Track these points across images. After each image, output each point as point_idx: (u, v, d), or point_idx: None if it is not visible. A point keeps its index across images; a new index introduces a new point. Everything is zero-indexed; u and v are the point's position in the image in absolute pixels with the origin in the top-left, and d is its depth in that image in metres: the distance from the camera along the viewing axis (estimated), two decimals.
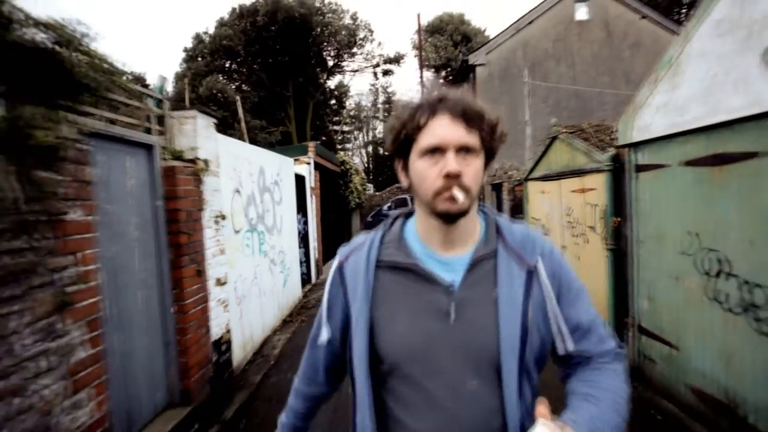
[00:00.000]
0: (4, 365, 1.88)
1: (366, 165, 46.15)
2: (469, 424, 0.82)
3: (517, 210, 7.76)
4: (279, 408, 1.16)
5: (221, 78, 28.81)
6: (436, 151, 0.82)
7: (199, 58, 29.10)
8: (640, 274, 3.67)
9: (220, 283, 4.04)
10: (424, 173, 0.83)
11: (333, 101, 38.74)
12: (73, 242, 2.27)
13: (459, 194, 0.80)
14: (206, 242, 3.81)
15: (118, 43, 56.62)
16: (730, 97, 2.53)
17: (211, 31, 29.71)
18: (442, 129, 0.81)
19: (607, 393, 0.85)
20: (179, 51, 58.55)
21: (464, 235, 0.90)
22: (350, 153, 47.54)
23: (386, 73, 37.61)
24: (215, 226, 4.00)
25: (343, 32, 33.26)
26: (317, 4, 32.00)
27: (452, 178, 0.80)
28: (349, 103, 42.54)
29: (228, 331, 4.16)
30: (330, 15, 32.99)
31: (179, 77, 28.90)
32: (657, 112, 3.25)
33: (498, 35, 10.05)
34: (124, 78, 3.27)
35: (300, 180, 7.75)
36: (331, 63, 35.88)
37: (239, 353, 4.45)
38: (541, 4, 9.96)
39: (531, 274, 0.87)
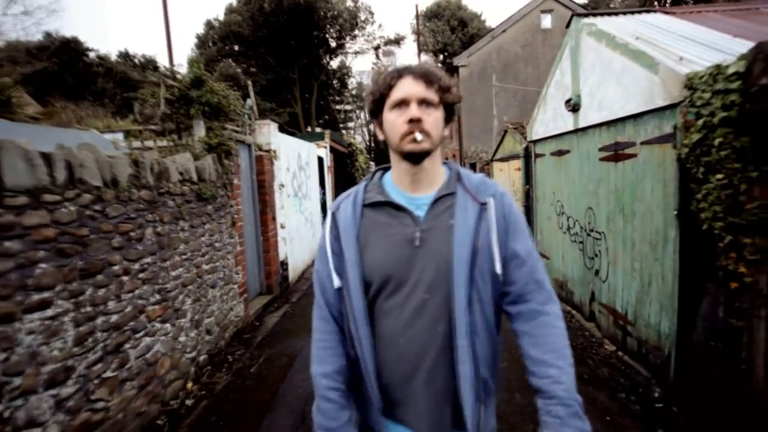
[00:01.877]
0: (218, 247, 4.35)
1: (367, 143, 47.96)
2: (420, 329, 1.03)
3: None
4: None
5: (231, 62, 30.69)
6: (402, 103, 1.02)
7: (211, 44, 30.87)
8: (536, 219, 6.14)
9: (282, 227, 6.52)
10: (393, 121, 1.03)
11: (336, 82, 40.38)
12: (235, 194, 4.74)
13: (419, 135, 0.99)
14: (275, 201, 6.27)
15: (132, 27, 57.83)
16: (560, 121, 4.93)
17: (221, 17, 31.37)
18: (407, 86, 1.02)
19: (562, 359, 1.04)
20: (190, 35, 59.90)
21: (429, 178, 1.09)
22: (352, 131, 49.51)
23: (387, 54, 39.28)
24: (279, 191, 6.45)
25: (345, 15, 34.61)
26: None
27: (414, 122, 0.99)
28: (351, 83, 44.07)
29: (286, 257, 6.67)
30: None
31: (191, 62, 30.80)
32: (539, 124, 5.65)
33: (477, 42, 12.27)
34: (232, 101, 5.64)
35: (320, 161, 10.13)
36: (333, 45, 37.31)
37: (292, 274, 6.97)
38: (513, 15, 12.11)
39: (482, 208, 1.06)
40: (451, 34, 31.64)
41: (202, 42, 31.67)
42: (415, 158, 1.05)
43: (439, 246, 1.04)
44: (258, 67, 32.44)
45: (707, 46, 3.31)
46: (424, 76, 1.03)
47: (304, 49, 33.27)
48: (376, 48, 38.62)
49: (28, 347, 2.05)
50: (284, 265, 6.53)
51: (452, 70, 12.76)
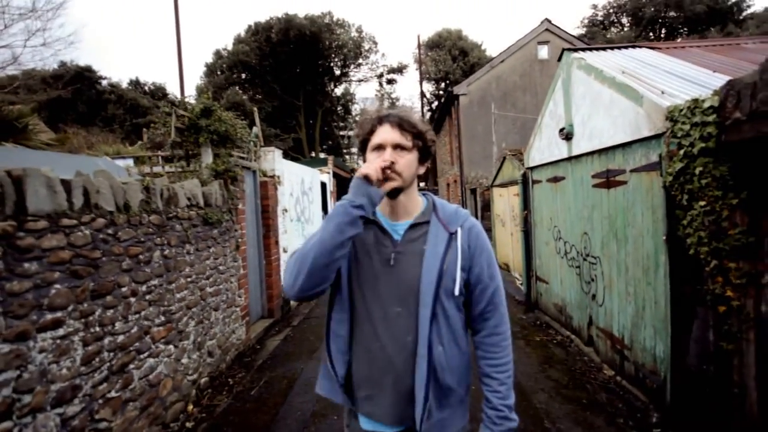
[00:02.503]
0: (222, 270, 4.46)
1: None
2: (392, 337, 1.22)
3: (486, 208, 10.32)
4: (319, 325, 3.55)
5: (238, 90, 31.57)
6: (380, 147, 1.21)
7: (219, 72, 31.84)
8: (535, 244, 6.23)
9: (284, 251, 6.62)
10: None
11: (340, 108, 41.27)
12: (240, 219, 4.88)
13: (392, 175, 1.18)
14: (278, 225, 6.40)
15: (144, 55, 59.88)
16: (555, 149, 5.10)
17: (230, 47, 32.46)
18: (383, 133, 1.21)
19: (502, 373, 1.29)
20: (199, 62, 61.88)
21: (405, 208, 1.28)
22: (356, 157, 50.16)
23: (390, 81, 40.30)
24: (282, 216, 6.59)
25: (350, 44, 35.67)
26: (326, 21, 34.56)
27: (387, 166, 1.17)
28: (355, 109, 45.02)
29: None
30: (338, 29, 35.42)
31: (201, 91, 31.72)
32: (536, 151, 5.82)
33: (476, 72, 12.66)
34: (239, 129, 5.85)
35: (323, 186, 10.33)
36: (338, 73, 38.30)
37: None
38: (510, 46, 12.54)
39: (452, 237, 1.24)
40: (452, 63, 32.54)
41: (210, 70, 32.68)
42: (390, 194, 1.22)
43: (410, 267, 1.22)
44: (264, 94, 33.29)
45: (688, 81, 3.49)
46: (399, 124, 1.22)
47: (309, 77, 34.17)
48: (380, 76, 39.63)
49: (39, 365, 2.15)
50: (277, 298, 6.60)
51: (452, 99, 13.12)
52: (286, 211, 6.70)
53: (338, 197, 12.85)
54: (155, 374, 3.12)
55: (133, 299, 2.90)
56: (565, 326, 5.17)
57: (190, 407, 3.54)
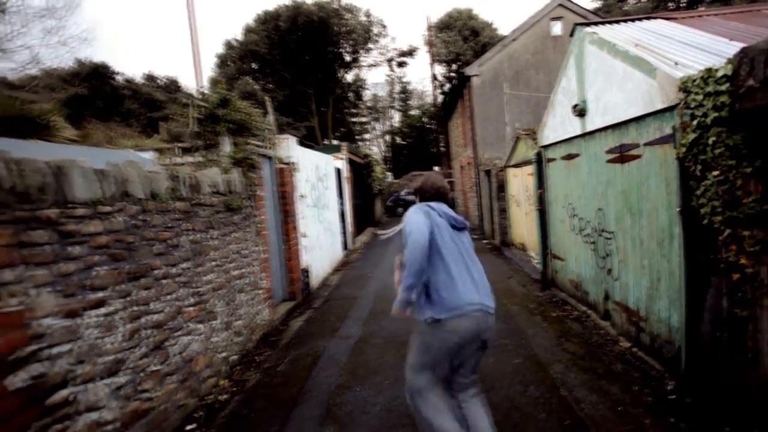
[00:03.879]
0: (245, 254, 4.64)
1: (384, 154, 48.33)
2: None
3: (501, 189, 10.30)
4: (340, 305, 3.73)
5: (250, 80, 31.73)
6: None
7: (230, 63, 31.98)
8: (550, 222, 6.25)
9: (303, 235, 6.79)
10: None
11: (351, 95, 41.12)
12: (259, 205, 5.03)
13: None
14: (296, 211, 6.56)
15: (154, 49, 60.40)
16: (568, 126, 5.08)
17: (239, 37, 32.51)
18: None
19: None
20: (209, 53, 62.23)
21: None
22: (368, 143, 50.10)
23: (401, 65, 39.84)
24: (300, 202, 6.74)
25: (359, 29, 35.31)
26: (334, 6, 34.24)
27: None
28: (366, 94, 44.79)
29: (308, 265, 6.93)
30: (346, 14, 35.08)
31: (214, 82, 32.00)
32: (549, 129, 5.80)
33: (488, 51, 12.48)
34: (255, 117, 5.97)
35: (337, 172, 10.45)
36: (348, 59, 38.05)
37: (314, 281, 7.23)
38: (523, 24, 12.29)
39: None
40: (463, 43, 31.96)
41: (222, 61, 32.83)
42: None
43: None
44: (275, 83, 33.36)
45: (702, 50, 3.45)
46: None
47: (319, 64, 34.05)
48: (390, 60, 39.23)
49: (88, 340, 2.34)
50: (306, 272, 6.79)
51: (464, 80, 13.00)
52: (303, 196, 6.85)
53: (354, 183, 12.96)
54: (189, 351, 3.33)
55: (165, 281, 3.09)
56: (582, 302, 5.23)
57: (223, 382, 3.76)
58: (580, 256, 5.21)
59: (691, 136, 2.77)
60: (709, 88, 2.61)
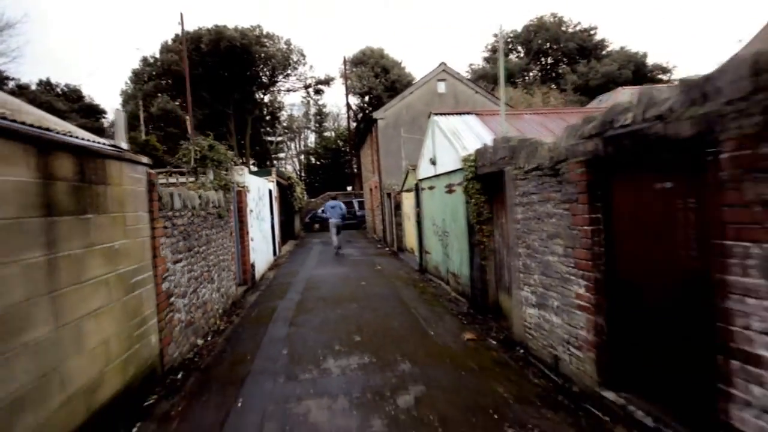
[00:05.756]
0: (226, 247, 7.06)
1: (299, 173, 50.07)
2: None
3: (398, 208, 13.61)
4: (280, 286, 6.72)
5: (167, 97, 32.12)
6: None
7: (147, 79, 32.09)
8: (423, 231, 9.54)
9: (251, 240, 9.22)
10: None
11: (268, 116, 42.88)
12: (230, 215, 7.51)
13: None
14: (248, 221, 9.00)
15: (54, 56, 55.46)
16: (429, 170, 8.40)
17: (157, 55, 32.84)
18: None
19: None
20: (119, 66, 59.05)
21: None
22: (283, 161, 51.81)
23: (318, 92, 42.85)
24: (249, 215, 9.19)
25: (278, 56, 37.53)
26: (256, 33, 36.20)
27: None
28: (282, 115, 46.70)
29: (253, 261, 9.34)
30: (267, 41, 37.15)
31: (129, 96, 31.81)
32: (421, 169, 9.14)
33: (392, 100, 16.04)
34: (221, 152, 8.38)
35: (270, 192, 12.90)
36: (267, 82, 39.89)
37: (257, 274, 9.62)
38: (417, 82, 16.12)
39: None
40: (375, 79, 36.00)
41: (137, 76, 32.74)
42: None
43: None
44: (195, 103, 33.99)
45: (481, 139, 6.91)
46: None
47: (238, 85, 35.56)
48: (307, 86, 41.95)
49: (176, 277, 4.77)
50: (252, 266, 9.20)
51: (373, 121, 16.34)
52: (251, 211, 9.29)
53: (279, 201, 15.40)
54: (206, 297, 5.75)
55: (198, 254, 5.53)
56: (437, 277, 8.49)
57: (218, 321, 6.17)
58: (438, 249, 8.48)
59: (465, 183, 6.07)
60: (470, 162, 5.92)
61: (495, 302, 5.99)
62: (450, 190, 7.17)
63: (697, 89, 2.27)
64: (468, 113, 8.33)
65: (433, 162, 7.90)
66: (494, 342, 4.89)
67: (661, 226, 2.78)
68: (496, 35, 42.57)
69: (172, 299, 4.57)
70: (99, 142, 3.46)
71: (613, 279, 3.26)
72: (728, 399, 2.18)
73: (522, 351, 4.54)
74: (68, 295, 2.82)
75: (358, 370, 4.15)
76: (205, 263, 5.84)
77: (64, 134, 2.97)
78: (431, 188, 8.52)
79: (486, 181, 5.80)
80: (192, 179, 7.09)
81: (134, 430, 3.25)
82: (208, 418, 3.36)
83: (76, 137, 3.16)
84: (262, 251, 10.52)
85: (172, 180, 7.36)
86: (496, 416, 3.19)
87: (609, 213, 3.27)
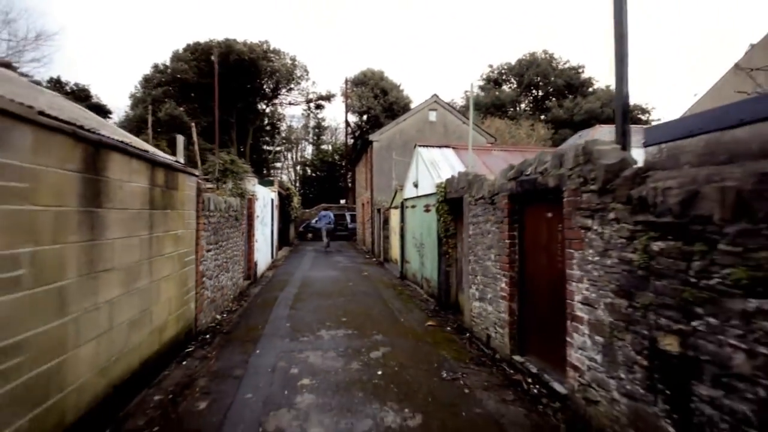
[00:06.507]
0: (239, 245, 8.48)
1: (294, 183, 51.44)
2: None
3: (386, 222, 15.09)
4: (280, 282, 8.27)
5: (174, 103, 33.59)
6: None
7: (157, 86, 33.58)
8: (405, 243, 11.04)
9: (256, 241, 10.63)
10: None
11: (269, 127, 44.50)
12: (243, 219, 8.93)
13: None
14: (255, 225, 10.42)
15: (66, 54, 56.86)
16: (413, 191, 9.95)
17: (167, 62, 34.45)
18: None
19: None
20: (130, 69, 60.68)
21: None
22: (279, 171, 53.24)
23: (318, 107, 44.74)
24: (256, 220, 10.62)
25: (283, 70, 39.33)
26: (264, 48, 38.04)
27: None
28: (282, 125, 48.31)
29: (257, 260, 10.73)
30: (273, 56, 38.96)
31: (138, 100, 33.25)
32: (407, 190, 10.68)
33: (386, 126, 17.70)
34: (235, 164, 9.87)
35: (272, 201, 14.34)
36: (270, 94, 41.61)
37: (259, 272, 10.99)
38: (411, 110, 17.81)
39: None
40: (374, 99, 37.93)
41: (147, 81, 34.24)
42: None
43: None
44: (200, 110, 35.51)
45: (454, 169, 8.46)
46: None
47: (242, 96, 37.20)
48: (309, 101, 43.81)
49: (207, 262, 6.19)
50: (256, 264, 10.59)
51: (369, 143, 17.95)
52: (258, 216, 10.71)
53: (280, 209, 16.84)
54: (224, 282, 7.15)
55: (221, 248, 6.95)
56: (415, 283, 9.95)
57: (231, 304, 7.55)
58: (416, 259, 9.97)
59: (437, 204, 7.60)
60: (441, 188, 7.47)
61: (455, 301, 7.46)
62: (427, 209, 8.70)
63: (558, 158, 3.84)
64: (446, 146, 9.94)
65: (416, 185, 9.45)
66: (449, 328, 6.35)
67: (547, 240, 4.31)
68: (491, 65, 45.13)
69: (204, 279, 5.98)
70: (172, 160, 4.93)
71: (522, 276, 4.77)
72: (569, 346, 3.67)
73: (468, 334, 6.01)
74: (155, 262, 4.25)
75: (343, 337, 5.58)
76: (225, 255, 7.26)
77: (153, 154, 4.44)
78: (413, 207, 10.05)
79: (452, 204, 7.33)
80: (213, 186, 8.53)
81: (184, 362, 4.64)
82: (236, 358, 4.77)
83: (159, 156, 4.63)
84: (263, 252, 11.91)
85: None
86: (436, 366, 4.64)
87: (522, 231, 4.81)
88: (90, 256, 3.02)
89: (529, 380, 4.27)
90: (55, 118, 2.56)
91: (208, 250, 6.20)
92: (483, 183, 5.62)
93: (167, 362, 4.51)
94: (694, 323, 2.43)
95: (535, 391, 4.07)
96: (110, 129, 4.32)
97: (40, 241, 2.46)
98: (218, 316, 6.67)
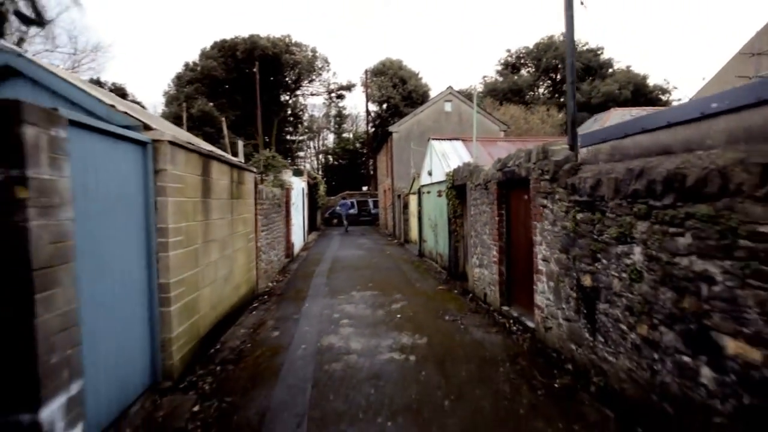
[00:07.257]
0: (280, 228, 10.10)
1: (317, 172, 53.16)
2: None
3: (405, 207, 16.53)
4: (314, 259, 9.82)
5: (205, 99, 35.64)
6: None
7: (188, 83, 35.64)
8: (422, 224, 12.49)
9: (292, 225, 12.28)
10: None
11: (291, 117, 46.22)
12: (282, 206, 10.56)
13: None
14: (291, 211, 12.06)
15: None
16: (427, 179, 11.33)
17: (197, 59, 36.42)
18: None
19: None
20: (161, 68, 63.50)
21: None
22: (302, 160, 55.12)
23: (339, 97, 46.19)
24: (292, 206, 12.24)
25: (304, 62, 40.76)
26: (286, 42, 39.50)
27: None
28: (305, 115, 49.94)
29: (293, 242, 12.39)
30: (295, 49, 40.38)
31: (172, 98, 35.47)
32: (422, 178, 12.07)
33: (404, 117, 19.00)
34: (275, 158, 11.50)
35: (302, 190, 15.98)
36: (292, 86, 43.20)
37: (296, 251, 12.66)
38: (428, 102, 19.03)
39: None
40: (393, 89, 38.95)
41: (179, 79, 36.35)
42: None
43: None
44: (228, 104, 37.49)
45: (462, 159, 9.78)
46: None
47: (267, 90, 38.90)
48: (330, 92, 45.23)
49: (261, 241, 7.80)
50: (293, 245, 12.25)
51: (388, 133, 19.32)
52: (294, 203, 12.34)
53: (309, 197, 18.52)
54: (271, 258, 8.79)
55: (269, 229, 8.56)
56: (431, 258, 11.41)
57: (277, 276, 9.20)
58: (431, 237, 11.40)
59: (447, 190, 8.98)
60: (450, 176, 8.84)
61: (463, 271, 8.89)
62: (439, 194, 10.08)
63: (527, 155, 5.19)
64: (456, 139, 11.24)
65: (430, 173, 10.83)
66: (456, 291, 7.80)
67: (524, 217, 5.68)
68: (509, 50, 45.35)
69: (260, 253, 7.61)
70: (238, 161, 6.50)
71: (508, 245, 6.16)
72: (535, 292, 5.08)
73: (470, 295, 7.44)
74: (233, 238, 5.85)
75: (370, 296, 7.13)
76: (272, 236, 8.89)
77: (230, 158, 6.00)
78: (428, 192, 11.44)
79: (458, 190, 8.70)
80: (259, 179, 10.14)
81: (253, 312, 6.28)
82: (291, 309, 6.38)
83: (234, 159, 6.18)
84: (297, 235, 13.58)
85: None
86: (441, 313, 6.12)
87: (508, 210, 6.18)
88: (205, 230, 4.61)
89: (511, 321, 5.70)
90: (190, 143, 4.11)
91: (262, 231, 7.81)
92: (480, 172, 6.97)
93: (242, 312, 6.15)
94: (597, 265, 3.81)
95: (514, 328, 5.49)
96: (186, 135, 5.90)
97: (188, 219, 4.03)
98: (270, 284, 8.32)
